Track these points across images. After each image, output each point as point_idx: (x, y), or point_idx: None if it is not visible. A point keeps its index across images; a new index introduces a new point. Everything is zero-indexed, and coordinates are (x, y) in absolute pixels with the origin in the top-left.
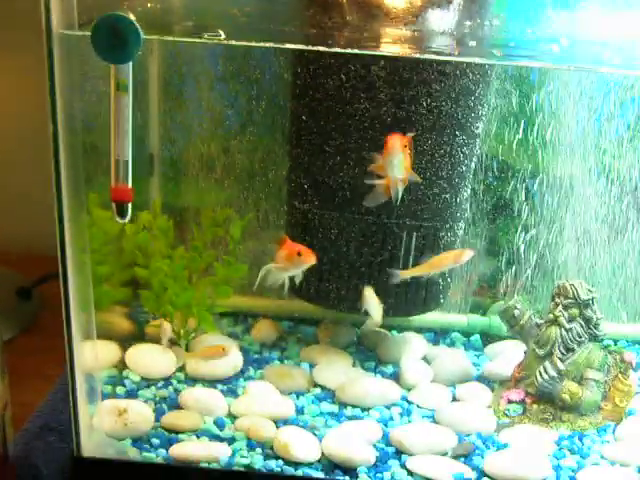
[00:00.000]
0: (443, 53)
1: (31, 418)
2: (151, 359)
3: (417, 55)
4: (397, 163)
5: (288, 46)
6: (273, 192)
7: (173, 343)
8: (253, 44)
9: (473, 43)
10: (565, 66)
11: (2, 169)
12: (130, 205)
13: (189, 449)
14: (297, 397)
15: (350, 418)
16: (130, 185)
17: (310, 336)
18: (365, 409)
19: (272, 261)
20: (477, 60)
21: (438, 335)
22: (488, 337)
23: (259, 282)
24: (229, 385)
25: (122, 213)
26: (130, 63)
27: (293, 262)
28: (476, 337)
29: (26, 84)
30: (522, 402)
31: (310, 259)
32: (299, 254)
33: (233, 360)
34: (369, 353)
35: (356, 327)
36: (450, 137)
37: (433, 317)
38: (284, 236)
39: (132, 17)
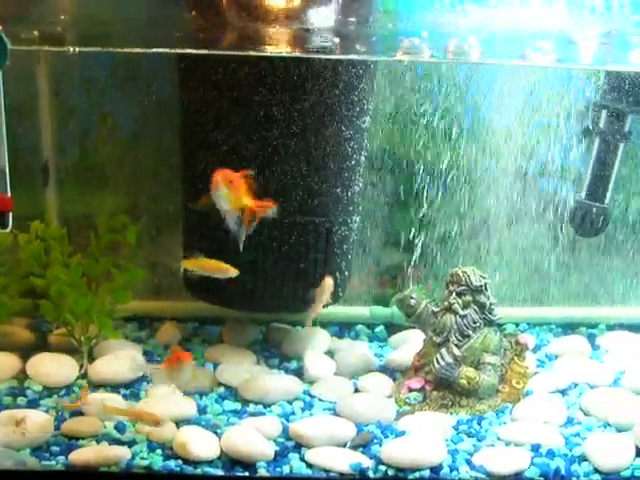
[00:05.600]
0: (321, 51)
1: None
2: (53, 368)
3: (296, 54)
4: (221, 197)
5: (156, 50)
6: (168, 196)
7: (75, 351)
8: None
9: (336, 40)
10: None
11: None
12: (10, 214)
13: (88, 454)
14: (200, 397)
15: (253, 415)
16: (9, 194)
17: (215, 336)
18: (267, 405)
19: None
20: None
21: (343, 329)
22: (392, 327)
23: None
24: (132, 389)
25: (4, 223)
26: None
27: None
28: (380, 328)
29: None
30: (422, 390)
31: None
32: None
33: (135, 365)
34: (274, 350)
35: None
36: (336, 132)
37: (336, 310)
38: None
39: None
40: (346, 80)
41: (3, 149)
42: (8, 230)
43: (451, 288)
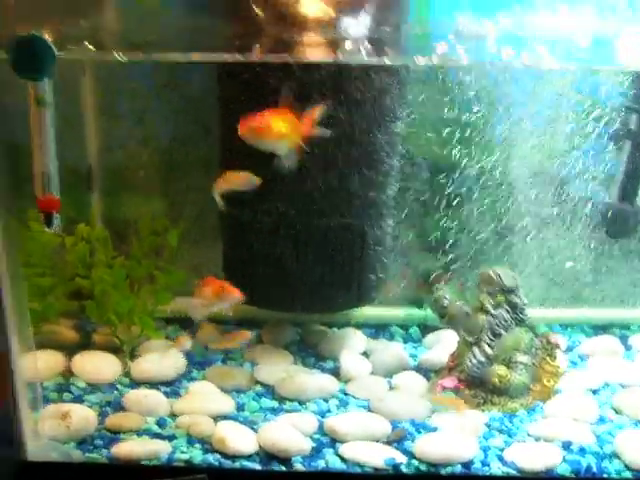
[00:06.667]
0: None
1: None
2: (97, 366)
3: (330, 59)
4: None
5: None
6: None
7: (118, 350)
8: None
9: (368, 46)
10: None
11: None
12: (58, 215)
13: (130, 447)
14: (238, 395)
15: (288, 412)
16: (57, 195)
17: (254, 338)
18: (303, 403)
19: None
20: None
21: (378, 330)
22: (426, 329)
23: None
24: (172, 387)
25: (49, 222)
26: (46, 80)
27: (219, 297)
28: (414, 329)
29: None
30: (456, 389)
31: (235, 294)
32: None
33: (175, 363)
34: (310, 350)
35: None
36: (371, 137)
37: (371, 312)
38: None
39: (47, 37)
40: (379, 85)
41: (51, 154)
42: (53, 230)
43: (483, 288)
